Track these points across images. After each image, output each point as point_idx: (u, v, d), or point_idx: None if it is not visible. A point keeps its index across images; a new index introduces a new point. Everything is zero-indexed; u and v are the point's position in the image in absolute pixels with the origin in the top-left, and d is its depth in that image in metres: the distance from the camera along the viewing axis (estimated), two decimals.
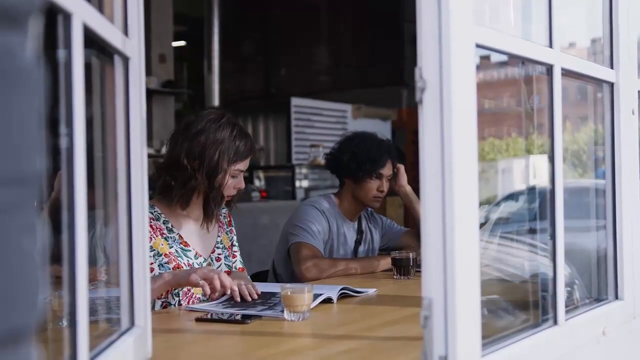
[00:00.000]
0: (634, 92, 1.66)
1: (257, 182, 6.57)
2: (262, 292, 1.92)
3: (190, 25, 8.32)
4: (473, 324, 1.02)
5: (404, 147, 6.64)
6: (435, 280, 0.99)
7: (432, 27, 0.99)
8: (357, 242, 2.69)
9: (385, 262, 2.45)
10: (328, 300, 1.83)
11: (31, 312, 0.51)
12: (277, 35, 8.68)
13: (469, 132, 1.02)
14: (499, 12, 1.51)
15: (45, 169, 0.56)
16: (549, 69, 1.32)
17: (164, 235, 1.98)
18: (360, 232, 2.71)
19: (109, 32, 1.02)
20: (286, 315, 1.62)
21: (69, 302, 0.83)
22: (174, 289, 1.91)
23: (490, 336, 1.13)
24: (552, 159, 1.33)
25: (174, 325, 1.65)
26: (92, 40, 0.95)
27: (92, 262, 0.94)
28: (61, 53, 0.83)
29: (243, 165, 2.02)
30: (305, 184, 6.48)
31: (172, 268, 1.94)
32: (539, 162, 1.52)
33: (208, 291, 1.74)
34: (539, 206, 1.53)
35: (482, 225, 1.45)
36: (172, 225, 2.01)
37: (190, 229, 2.05)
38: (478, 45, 1.06)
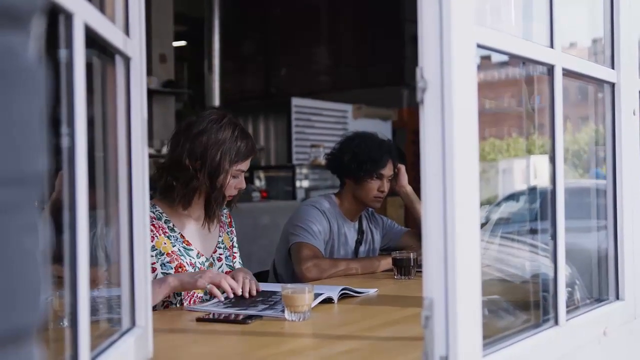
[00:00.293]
0: (635, 92, 1.66)
1: (257, 182, 6.57)
2: (262, 291, 1.92)
3: (190, 25, 8.33)
4: (474, 324, 1.02)
5: (405, 147, 6.65)
6: (436, 280, 0.99)
7: (433, 27, 0.99)
8: (358, 242, 2.69)
9: (386, 262, 2.45)
10: (329, 301, 1.83)
11: (33, 312, 0.51)
12: (277, 35, 8.68)
13: (470, 132, 1.02)
14: (500, 12, 1.51)
15: (47, 169, 0.56)
16: (550, 69, 1.32)
17: (167, 234, 1.98)
18: (361, 232, 2.71)
19: (110, 32, 1.02)
20: (287, 315, 1.62)
21: (70, 302, 0.83)
22: None
23: (491, 336, 1.13)
24: (552, 159, 1.33)
25: (175, 325, 1.65)
26: (94, 40, 0.95)
27: (93, 262, 0.94)
28: (62, 53, 0.83)
29: (244, 165, 2.03)
30: (305, 184, 6.48)
31: (175, 267, 1.95)
32: (540, 162, 1.52)
33: (218, 294, 1.76)
34: (539, 206, 1.53)
35: (483, 225, 1.45)
36: (173, 225, 2.01)
37: (191, 228, 2.05)
38: (479, 46, 1.06)
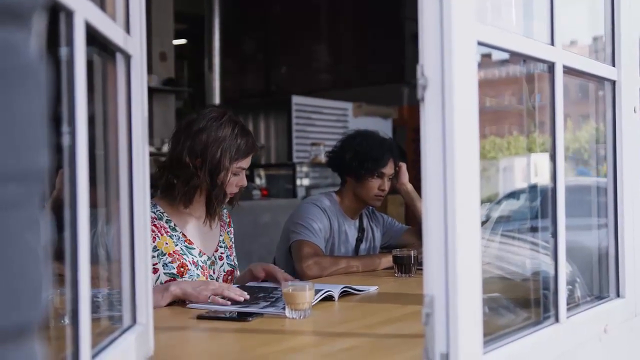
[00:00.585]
0: (636, 89, 1.66)
1: (257, 180, 6.57)
2: (263, 287, 1.92)
3: (190, 24, 8.33)
4: (474, 321, 1.02)
5: (405, 145, 6.65)
6: (436, 277, 0.99)
7: (433, 25, 0.99)
8: (359, 240, 2.69)
9: (387, 260, 2.46)
10: (329, 298, 1.84)
11: (35, 308, 0.52)
12: (277, 33, 8.68)
13: (471, 129, 1.02)
14: (500, 10, 1.50)
15: (48, 166, 0.56)
16: (551, 66, 1.32)
17: (168, 234, 1.98)
18: (361, 230, 2.71)
19: (111, 30, 1.02)
20: (288, 312, 1.62)
21: (71, 299, 0.84)
22: None
23: (492, 334, 1.13)
24: (553, 157, 1.33)
25: (176, 322, 1.66)
26: (94, 38, 0.95)
27: (94, 260, 0.95)
28: (63, 51, 0.83)
29: (245, 162, 2.03)
30: (306, 182, 6.48)
31: (177, 267, 1.95)
32: (540, 160, 1.52)
33: (222, 302, 1.76)
34: (540, 204, 1.53)
35: (483, 223, 1.45)
36: (175, 225, 2.01)
37: (193, 227, 2.05)
38: (480, 43, 1.06)
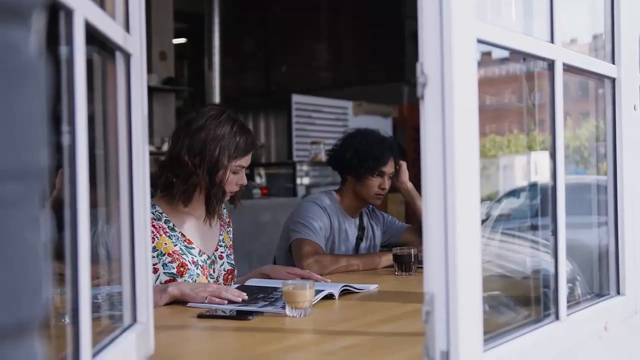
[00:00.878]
0: (636, 87, 1.66)
1: (257, 179, 6.57)
2: (264, 287, 1.92)
3: (190, 23, 8.32)
4: (475, 319, 1.02)
5: (405, 144, 6.64)
6: (437, 275, 0.99)
7: (433, 22, 0.99)
8: (359, 239, 2.69)
9: (387, 259, 2.46)
10: (330, 297, 1.84)
11: (35, 305, 0.52)
12: (277, 32, 8.67)
13: (471, 128, 1.02)
14: (500, 8, 1.50)
15: (48, 164, 0.56)
16: (551, 64, 1.32)
17: (167, 234, 1.98)
18: (361, 228, 2.71)
19: (111, 29, 1.02)
20: (288, 311, 1.62)
21: (71, 298, 0.84)
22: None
23: (492, 331, 1.13)
24: (553, 155, 1.33)
25: (176, 321, 1.66)
26: (94, 37, 0.95)
27: (94, 259, 0.95)
28: (63, 49, 0.83)
29: (244, 161, 2.02)
30: (306, 181, 6.47)
31: (177, 267, 1.95)
32: (540, 158, 1.52)
33: (219, 302, 1.76)
34: (540, 202, 1.53)
35: (483, 221, 1.45)
36: (173, 224, 2.01)
37: (192, 226, 2.05)
38: (479, 41, 1.06)
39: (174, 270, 1.94)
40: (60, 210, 0.84)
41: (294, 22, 8.43)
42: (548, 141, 1.36)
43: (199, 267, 2.00)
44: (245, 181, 2.05)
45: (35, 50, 0.53)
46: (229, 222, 2.22)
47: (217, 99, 7.18)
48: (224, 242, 2.14)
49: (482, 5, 1.23)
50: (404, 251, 2.34)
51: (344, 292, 1.91)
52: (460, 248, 0.98)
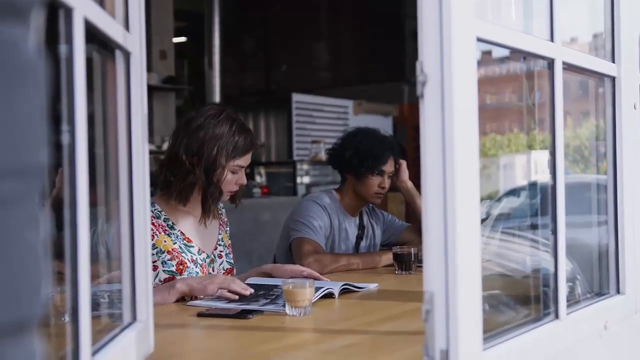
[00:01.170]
0: (636, 86, 1.66)
1: (258, 178, 6.57)
2: (264, 285, 1.92)
3: (190, 22, 8.32)
4: (474, 318, 1.02)
5: (405, 143, 6.65)
6: (436, 274, 0.99)
7: (433, 21, 0.99)
8: (359, 238, 2.69)
9: (387, 258, 2.46)
10: (330, 296, 1.84)
11: (34, 304, 0.52)
12: (277, 31, 8.67)
13: (470, 126, 1.02)
14: (500, 7, 1.50)
15: (48, 162, 0.56)
16: (550, 63, 1.32)
17: (167, 232, 1.98)
18: (361, 227, 2.71)
19: (111, 27, 1.02)
20: (288, 310, 1.62)
21: (71, 297, 0.84)
22: None
23: (492, 330, 1.13)
24: (553, 154, 1.33)
25: (176, 319, 1.66)
26: (94, 35, 0.95)
27: (94, 258, 0.95)
28: (63, 48, 0.83)
29: (243, 160, 2.02)
30: (306, 180, 6.48)
31: (176, 264, 1.95)
32: (541, 157, 1.52)
33: (230, 296, 1.76)
34: (540, 201, 1.53)
35: (483, 220, 1.46)
36: (172, 223, 2.01)
37: (191, 225, 2.05)
38: (479, 39, 1.06)
39: (173, 268, 1.94)
40: (60, 209, 0.84)
41: (294, 21, 8.43)
42: (548, 140, 1.36)
43: (198, 266, 2.00)
44: (244, 181, 2.05)
45: (35, 48, 0.53)
46: (226, 221, 2.22)
47: (217, 98, 7.18)
48: (222, 241, 2.14)
49: (482, 4, 1.23)
50: (404, 250, 2.34)
51: (344, 291, 1.91)
52: (460, 247, 0.98)
